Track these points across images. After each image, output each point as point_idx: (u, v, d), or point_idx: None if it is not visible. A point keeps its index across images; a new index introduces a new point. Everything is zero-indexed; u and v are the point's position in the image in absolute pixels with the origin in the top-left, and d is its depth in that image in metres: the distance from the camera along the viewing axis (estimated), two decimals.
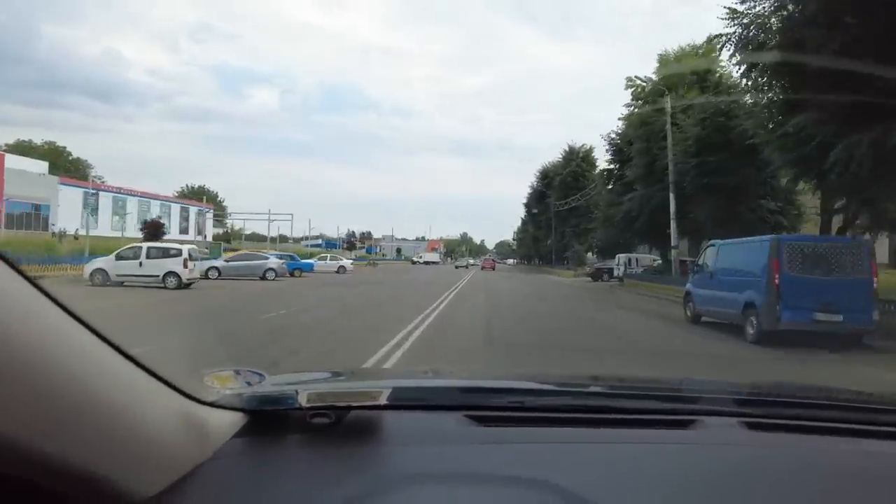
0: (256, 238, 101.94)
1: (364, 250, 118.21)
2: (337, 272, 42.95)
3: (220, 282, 27.51)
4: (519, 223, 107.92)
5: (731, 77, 21.76)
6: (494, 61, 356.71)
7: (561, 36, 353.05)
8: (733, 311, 11.90)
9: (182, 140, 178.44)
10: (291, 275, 34.89)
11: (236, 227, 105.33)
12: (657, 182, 26.33)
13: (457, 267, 76.03)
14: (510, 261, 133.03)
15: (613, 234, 32.45)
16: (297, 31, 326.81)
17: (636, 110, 28.61)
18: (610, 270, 39.01)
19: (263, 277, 29.83)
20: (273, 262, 30.96)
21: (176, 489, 0.89)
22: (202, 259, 33.97)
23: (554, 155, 71.13)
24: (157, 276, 21.55)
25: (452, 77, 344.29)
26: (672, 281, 24.60)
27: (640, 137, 26.65)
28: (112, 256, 21.89)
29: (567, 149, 63.22)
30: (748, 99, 21.13)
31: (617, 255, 36.67)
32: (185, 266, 21.82)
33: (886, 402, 1.57)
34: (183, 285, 21.71)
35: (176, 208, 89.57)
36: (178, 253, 22.04)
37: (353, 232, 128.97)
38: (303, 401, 1.15)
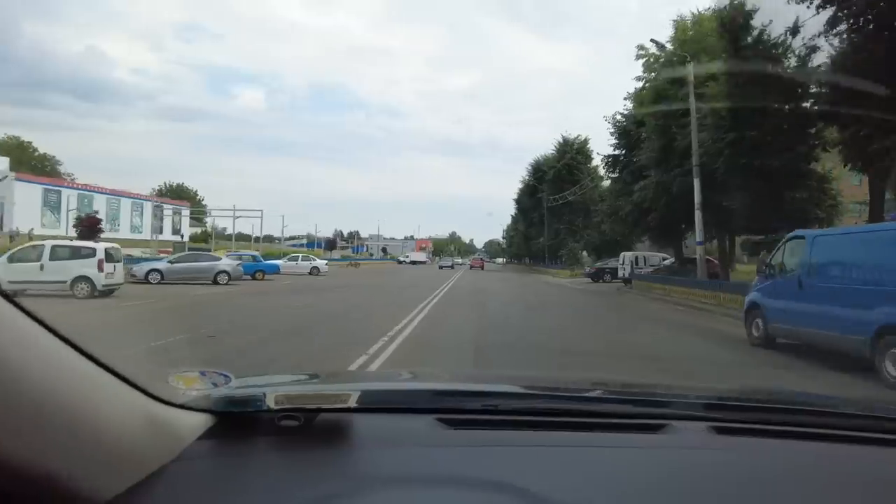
0: (241, 237, 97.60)
1: (351, 250, 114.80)
2: (310, 274, 38.70)
3: (159, 288, 23.12)
4: (509, 221, 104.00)
5: (773, 35, 17.65)
6: (482, 61, 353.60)
7: (548, 36, 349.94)
8: (851, 338, 7.80)
9: (169, 140, 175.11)
10: (253, 277, 30.58)
11: (221, 227, 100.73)
12: (675, 167, 22.28)
13: (440, 267, 65.46)
14: (499, 260, 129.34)
15: (620, 229, 28.27)
16: (285, 30, 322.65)
17: (647, 84, 24.53)
18: (613, 270, 34.97)
19: (215, 281, 25.52)
20: (225, 263, 26.57)
21: (139, 490, 0.88)
22: (145, 260, 29.65)
23: (544, 152, 67.06)
24: (64, 282, 17.19)
25: (441, 77, 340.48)
26: (694, 284, 20.55)
27: (654, 114, 22.55)
28: (4, 259, 17.39)
29: (561, 140, 59.05)
30: (795, 58, 17.18)
31: (621, 254, 32.58)
32: (101, 269, 17.47)
33: (852, 407, 1.60)
34: (98, 293, 17.38)
35: (149, 206, 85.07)
36: (91, 253, 17.65)
37: (341, 231, 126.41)
38: (271, 403, 1.14)
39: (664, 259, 31.68)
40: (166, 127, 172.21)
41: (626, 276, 31.09)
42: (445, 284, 29.39)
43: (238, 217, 71.03)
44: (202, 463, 1.02)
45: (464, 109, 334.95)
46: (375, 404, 1.34)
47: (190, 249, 54.48)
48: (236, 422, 1.16)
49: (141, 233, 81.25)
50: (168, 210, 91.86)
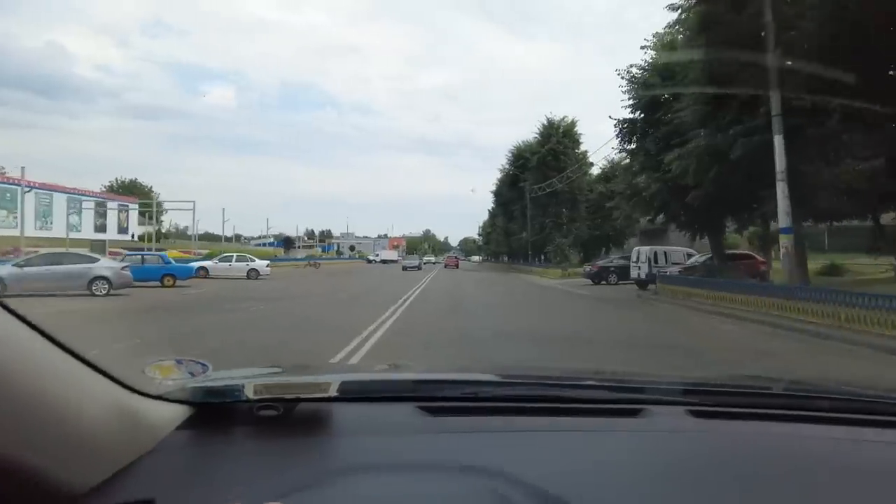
0: (209, 237, 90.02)
1: (321, 249, 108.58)
2: (247, 277, 31.46)
3: None
4: (486, 218, 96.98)
5: None
6: (455, 59, 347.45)
7: (520, 35, 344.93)
8: None
9: (134, 138, 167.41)
10: (162, 283, 23.28)
11: (182, 226, 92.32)
12: (732, 123, 15.62)
13: (404, 269, 51.02)
14: (475, 258, 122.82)
15: (641, 214, 21.39)
16: (254, 27, 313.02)
17: (684, 16, 17.78)
18: (619, 270, 28.31)
19: (91, 291, 18.20)
20: (104, 266, 19.13)
21: (115, 481, 0.87)
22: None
23: (525, 138, 60.12)
24: None
25: (414, 75, 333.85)
26: (781, 292, 13.80)
27: (705, 48, 15.74)
28: None
29: (545, 122, 52.23)
30: None
31: (635, 248, 25.86)
32: None
33: (821, 390, 1.61)
34: None
35: (90, 203, 76.66)
36: None
37: (312, 230, 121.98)
38: (249, 393, 1.14)
39: (689, 255, 25.11)
40: (132, 125, 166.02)
41: (643, 276, 24.40)
42: (410, 293, 22.39)
43: (166, 210, 62.95)
44: (180, 453, 1.01)
45: (438, 108, 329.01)
46: (355, 393, 1.33)
47: (138, 250, 46.87)
48: (214, 412, 1.15)
49: (80, 231, 73.06)
50: (113, 206, 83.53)
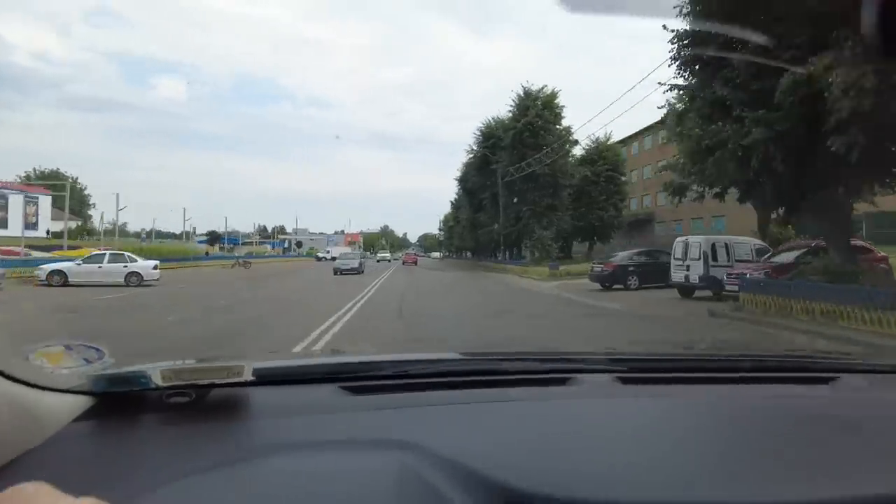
0: (162, 235, 79.80)
1: (271, 245, 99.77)
2: (126, 283, 22.54)
3: None
4: (448, 211, 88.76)
5: None
6: (416, 56, 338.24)
7: (483, 32, 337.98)
8: None
9: (78, 131, 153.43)
10: None
11: (122, 222, 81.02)
12: None
13: (338, 272, 34.61)
14: (435, 254, 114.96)
15: (720, 179, 13.15)
16: (206, 17, 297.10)
17: None
18: (643, 270, 20.50)
19: None
20: None
21: None
22: None
23: (497, 114, 51.91)
24: None
25: (374, 70, 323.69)
26: None
27: None
28: None
29: (521, 93, 44.15)
30: None
31: (679, 240, 17.88)
32: None
33: (747, 354, 1.73)
34: None
35: None
36: None
37: (264, 226, 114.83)
38: (158, 380, 1.06)
39: (757, 248, 17.34)
40: (74, 117, 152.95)
41: (695, 280, 16.53)
42: (345, 309, 13.88)
43: (94, 204, 53.35)
44: (76, 445, 0.95)
45: (399, 104, 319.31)
46: (273, 377, 1.26)
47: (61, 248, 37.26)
48: (119, 402, 1.07)
49: None
50: (16, 198, 72.01)
